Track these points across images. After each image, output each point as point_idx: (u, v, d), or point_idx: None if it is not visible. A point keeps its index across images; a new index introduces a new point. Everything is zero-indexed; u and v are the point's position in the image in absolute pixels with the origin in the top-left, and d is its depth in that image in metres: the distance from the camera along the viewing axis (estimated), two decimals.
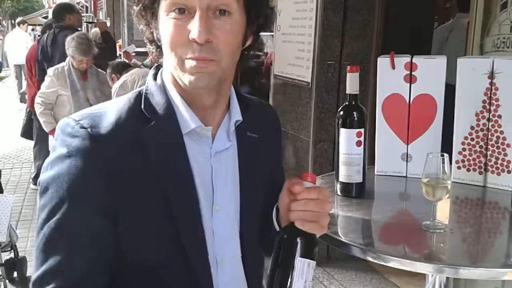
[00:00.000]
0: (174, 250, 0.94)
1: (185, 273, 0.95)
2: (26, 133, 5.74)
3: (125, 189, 0.91)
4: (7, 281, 3.00)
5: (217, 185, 0.99)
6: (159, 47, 0.98)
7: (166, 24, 0.91)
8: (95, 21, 5.95)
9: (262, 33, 1.03)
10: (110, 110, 0.94)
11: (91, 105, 4.09)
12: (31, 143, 5.80)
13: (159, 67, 1.02)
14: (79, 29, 5.42)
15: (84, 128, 0.90)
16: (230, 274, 1.01)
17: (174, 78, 0.96)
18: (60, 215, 0.90)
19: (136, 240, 0.93)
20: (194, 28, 0.88)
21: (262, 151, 1.06)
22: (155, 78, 1.00)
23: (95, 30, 6.46)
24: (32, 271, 0.94)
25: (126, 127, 0.92)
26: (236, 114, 1.01)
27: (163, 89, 0.98)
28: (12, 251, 3.08)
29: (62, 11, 5.14)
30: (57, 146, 0.93)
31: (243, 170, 1.03)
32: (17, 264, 3.02)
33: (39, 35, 5.81)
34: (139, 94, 0.98)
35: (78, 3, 18.96)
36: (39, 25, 17.95)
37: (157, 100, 0.96)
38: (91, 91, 4.16)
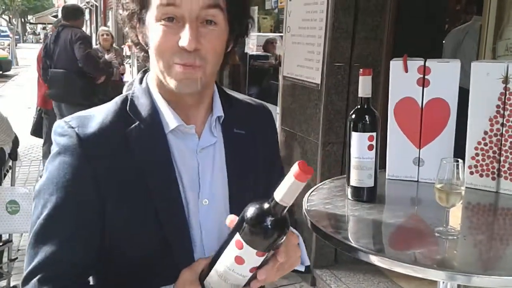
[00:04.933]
0: (159, 243, 0.98)
1: (170, 266, 0.98)
2: (36, 131, 5.77)
3: (111, 184, 0.96)
4: None
5: (205, 180, 1.03)
6: (143, 50, 1.04)
7: (155, 30, 0.96)
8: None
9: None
10: (99, 112, 1.01)
11: None
12: (40, 141, 5.83)
13: (145, 71, 1.09)
14: (82, 28, 5.50)
15: (72, 128, 0.97)
16: None
17: (159, 81, 1.01)
18: (50, 209, 0.95)
19: (122, 234, 0.98)
20: (184, 37, 0.93)
21: (251, 146, 1.11)
22: (140, 82, 1.07)
23: (102, 29, 6.50)
24: (24, 269, 0.96)
25: (111, 127, 0.98)
26: (218, 111, 1.07)
27: (148, 92, 1.04)
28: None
29: (78, 12, 5.20)
30: (52, 146, 1.00)
31: (230, 165, 1.07)
32: None
33: (50, 34, 5.84)
34: (126, 97, 1.04)
35: (88, 2, 19.04)
36: (49, 23, 18.05)
37: (141, 102, 1.02)
38: None
